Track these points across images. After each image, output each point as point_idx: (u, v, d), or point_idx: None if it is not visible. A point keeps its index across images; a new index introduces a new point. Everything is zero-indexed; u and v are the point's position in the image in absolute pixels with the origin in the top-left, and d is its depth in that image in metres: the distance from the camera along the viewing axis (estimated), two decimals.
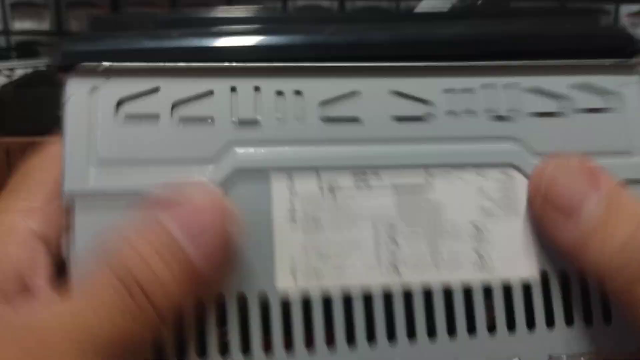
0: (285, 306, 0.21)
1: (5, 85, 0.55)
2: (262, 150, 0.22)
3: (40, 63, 0.67)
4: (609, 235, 0.20)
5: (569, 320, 0.22)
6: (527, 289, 0.22)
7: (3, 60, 0.68)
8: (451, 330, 0.22)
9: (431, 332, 0.22)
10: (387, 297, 0.22)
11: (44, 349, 0.17)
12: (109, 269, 0.19)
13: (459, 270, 0.22)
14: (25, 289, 0.20)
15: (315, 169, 0.22)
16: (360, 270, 0.22)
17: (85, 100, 0.22)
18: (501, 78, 0.23)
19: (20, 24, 0.72)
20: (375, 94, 0.23)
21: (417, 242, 0.22)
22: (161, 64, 0.22)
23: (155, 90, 0.22)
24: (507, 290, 0.22)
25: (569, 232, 0.20)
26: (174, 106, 0.22)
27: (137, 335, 0.18)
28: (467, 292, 0.22)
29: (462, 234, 0.22)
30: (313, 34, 0.23)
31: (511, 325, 0.22)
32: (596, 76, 0.24)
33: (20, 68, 0.65)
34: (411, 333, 0.22)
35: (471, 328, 0.22)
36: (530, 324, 0.22)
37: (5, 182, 0.22)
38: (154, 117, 0.22)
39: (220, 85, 0.22)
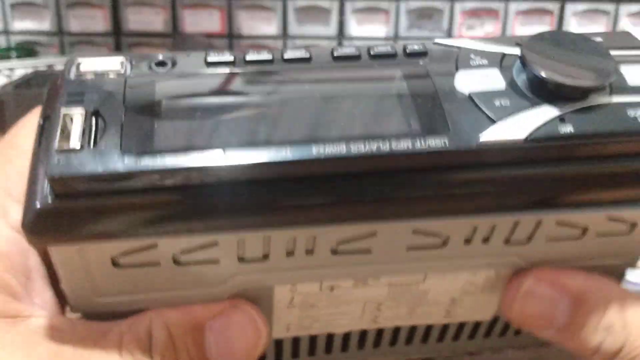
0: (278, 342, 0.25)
1: (5, 86, 0.56)
2: (269, 276, 0.21)
3: (40, 63, 0.67)
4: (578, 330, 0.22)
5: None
6: (476, 325, 0.26)
7: (3, 60, 0.68)
8: (409, 339, 0.27)
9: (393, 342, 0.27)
10: (362, 332, 0.26)
11: None
12: None
13: (427, 319, 0.25)
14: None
15: (319, 281, 0.22)
16: (345, 324, 0.25)
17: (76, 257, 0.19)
18: (535, 215, 0.20)
19: (20, 24, 0.72)
20: (393, 234, 0.20)
21: (398, 309, 0.24)
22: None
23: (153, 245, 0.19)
24: (461, 325, 0.26)
25: (544, 334, 0.23)
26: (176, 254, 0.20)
27: None
28: (428, 326, 0.26)
29: (439, 304, 0.25)
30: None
31: (456, 337, 0.27)
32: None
33: (20, 68, 0.65)
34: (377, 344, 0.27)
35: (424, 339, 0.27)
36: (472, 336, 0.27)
37: None
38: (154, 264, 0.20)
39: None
